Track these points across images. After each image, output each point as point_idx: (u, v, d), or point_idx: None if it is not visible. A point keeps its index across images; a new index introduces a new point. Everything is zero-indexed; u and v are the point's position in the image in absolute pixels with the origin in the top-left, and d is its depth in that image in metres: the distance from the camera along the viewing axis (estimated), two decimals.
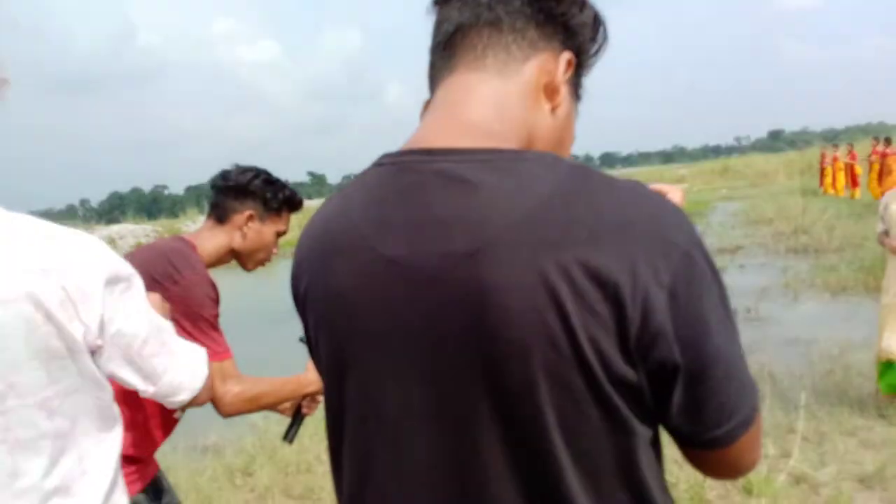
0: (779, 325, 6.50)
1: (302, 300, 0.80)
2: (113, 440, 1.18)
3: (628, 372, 0.65)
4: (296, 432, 2.01)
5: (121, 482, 1.21)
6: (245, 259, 1.93)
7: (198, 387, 1.31)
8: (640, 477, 0.69)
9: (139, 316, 1.17)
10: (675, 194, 0.85)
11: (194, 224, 21.55)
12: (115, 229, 21.95)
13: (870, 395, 4.25)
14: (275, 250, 1.97)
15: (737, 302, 7.31)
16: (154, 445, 1.82)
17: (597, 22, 0.80)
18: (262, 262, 1.97)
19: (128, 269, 1.16)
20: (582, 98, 0.84)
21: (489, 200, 0.67)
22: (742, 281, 8.63)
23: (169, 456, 4.39)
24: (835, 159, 19.35)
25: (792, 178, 26.28)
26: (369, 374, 0.73)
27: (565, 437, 0.66)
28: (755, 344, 5.91)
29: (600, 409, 0.66)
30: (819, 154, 21.68)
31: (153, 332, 1.20)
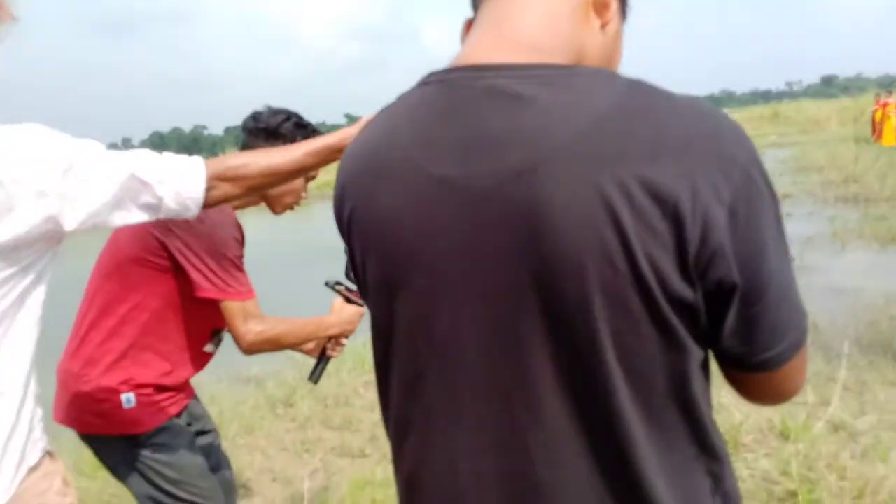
0: (825, 274, 6.35)
1: (347, 224, 0.79)
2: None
3: (685, 291, 0.64)
4: (321, 373, 2.05)
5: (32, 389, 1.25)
6: (273, 202, 1.93)
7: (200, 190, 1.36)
8: (692, 397, 0.69)
9: (99, 181, 1.22)
10: None
11: None
12: None
13: None
14: (304, 194, 1.97)
15: None
16: (185, 376, 1.87)
17: None
18: (290, 206, 1.97)
19: (70, 149, 1.19)
20: (627, 17, 0.81)
21: (544, 116, 0.65)
22: (790, 229, 8.22)
23: (214, 385, 4.56)
24: (885, 105, 18.41)
25: (845, 126, 25.30)
26: (419, 295, 0.73)
27: (619, 355, 0.65)
28: (801, 293, 5.80)
29: (656, 329, 0.65)
30: (873, 100, 20.65)
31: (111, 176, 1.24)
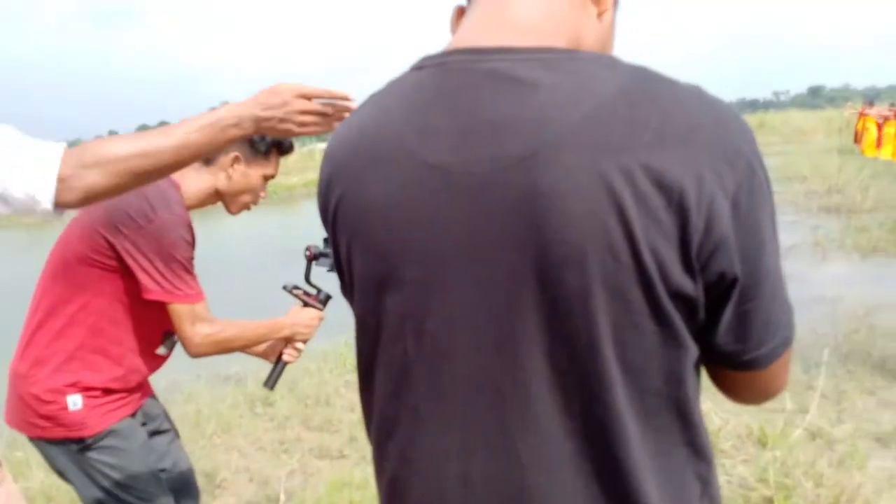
0: (805, 283, 6.39)
1: (332, 214, 0.76)
2: None
3: (687, 283, 0.63)
4: (277, 378, 2.01)
5: None
6: (229, 202, 1.89)
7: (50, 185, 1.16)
8: (686, 397, 0.68)
9: None
10: None
11: None
12: None
13: (893, 355, 4.19)
14: (262, 194, 1.93)
15: None
16: (137, 379, 1.83)
17: None
18: (247, 206, 1.92)
19: None
20: (618, 9, 0.80)
21: (547, 100, 0.63)
22: None
23: (192, 383, 4.52)
24: (861, 114, 18.63)
25: (830, 136, 25.54)
26: (410, 289, 0.70)
27: (618, 351, 0.64)
28: None
29: (655, 322, 0.64)
30: (850, 109, 20.83)
31: None
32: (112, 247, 1.67)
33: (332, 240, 0.79)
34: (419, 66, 0.73)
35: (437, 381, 0.70)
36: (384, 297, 0.72)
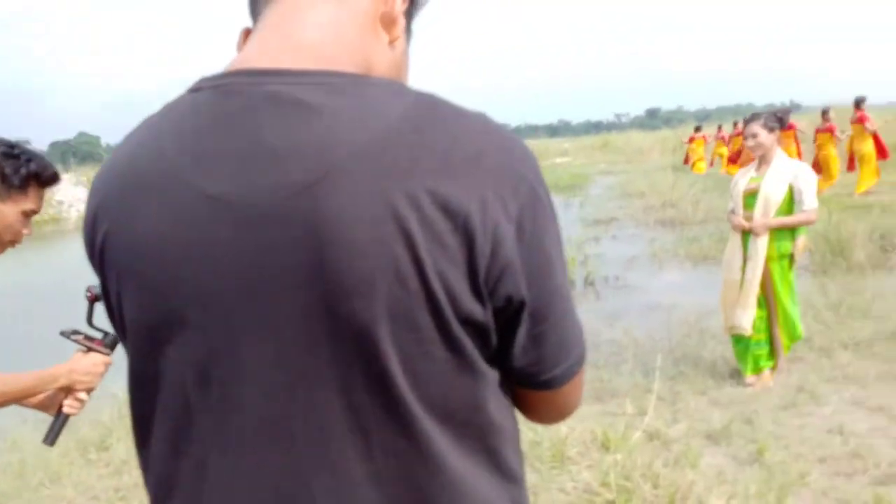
0: (644, 292, 6.86)
1: (99, 252, 0.69)
2: None
3: (476, 308, 0.62)
4: (58, 434, 1.78)
5: None
6: None
7: None
8: (489, 422, 0.67)
9: None
10: None
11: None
12: None
13: (721, 357, 4.56)
14: (26, 231, 1.74)
15: (607, 271, 7.72)
16: None
17: None
18: (11, 244, 1.74)
19: None
20: (411, 39, 0.79)
21: (331, 125, 0.60)
22: (614, 250, 9.06)
23: (17, 428, 4.07)
24: (691, 139, 20.80)
25: (665, 155, 27.74)
26: (190, 332, 0.64)
27: (410, 382, 0.61)
28: (622, 310, 6.22)
29: (447, 350, 0.62)
30: (687, 135, 23.08)
31: None
32: None
33: (101, 281, 0.71)
34: (196, 88, 0.67)
35: (225, 432, 0.65)
36: (161, 344, 0.66)
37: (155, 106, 0.71)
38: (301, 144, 0.60)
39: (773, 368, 4.21)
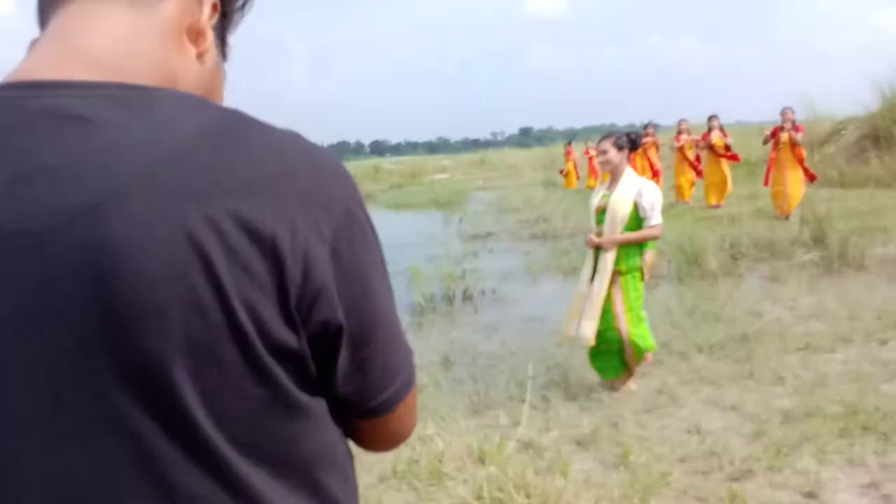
0: (519, 304, 7.05)
1: None
2: None
3: (289, 337, 0.58)
4: None
5: None
6: None
7: None
8: (311, 458, 0.63)
9: None
10: None
11: None
12: None
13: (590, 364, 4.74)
14: None
15: (484, 284, 7.86)
16: None
17: None
18: None
19: None
20: (228, 58, 0.75)
21: (115, 142, 0.55)
22: (490, 265, 9.26)
23: None
24: (568, 154, 21.82)
25: (537, 172, 28.81)
26: None
27: (215, 421, 0.56)
28: (497, 323, 6.35)
29: (258, 384, 0.57)
30: (564, 150, 24.15)
31: None
32: None
33: None
34: None
35: (0, 499, 0.56)
36: None
37: None
38: (79, 164, 0.54)
39: (629, 374, 4.36)
